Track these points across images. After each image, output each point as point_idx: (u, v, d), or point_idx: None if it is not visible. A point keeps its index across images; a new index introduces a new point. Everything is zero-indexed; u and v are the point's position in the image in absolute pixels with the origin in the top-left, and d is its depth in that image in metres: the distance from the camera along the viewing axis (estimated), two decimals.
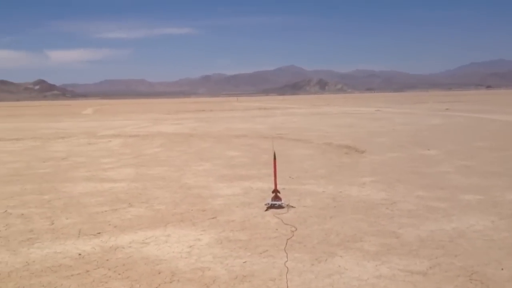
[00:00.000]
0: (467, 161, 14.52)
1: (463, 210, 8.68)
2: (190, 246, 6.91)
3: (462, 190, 10.38)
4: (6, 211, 9.48)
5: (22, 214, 9.15)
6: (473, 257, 6.17)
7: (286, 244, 6.89)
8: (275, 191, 9.24)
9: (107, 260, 6.44)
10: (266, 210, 8.90)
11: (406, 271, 5.75)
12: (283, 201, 9.13)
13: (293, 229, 7.64)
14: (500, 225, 7.69)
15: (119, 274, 5.90)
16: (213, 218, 8.50)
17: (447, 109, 51.02)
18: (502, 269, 5.75)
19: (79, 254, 6.69)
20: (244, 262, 6.19)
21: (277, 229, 7.66)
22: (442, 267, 5.84)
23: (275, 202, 9.06)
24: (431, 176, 12.22)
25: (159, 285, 5.53)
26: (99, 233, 7.76)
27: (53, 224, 8.41)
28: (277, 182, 9.46)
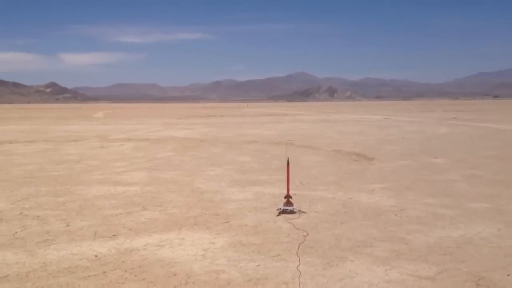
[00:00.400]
0: (474, 170, 14.63)
1: (470, 217, 8.82)
2: (205, 249, 7.09)
3: (469, 198, 10.50)
4: (21, 212, 9.69)
5: (38, 216, 9.36)
6: (480, 264, 6.32)
7: (298, 248, 7.06)
8: (287, 196, 9.42)
9: (123, 262, 6.63)
10: (278, 215, 9.08)
11: (415, 276, 5.91)
12: (295, 207, 9.31)
13: (305, 234, 7.81)
14: (506, 233, 7.82)
15: (135, 276, 6.08)
16: (226, 222, 8.69)
17: (454, 118, 50.96)
18: (508, 275, 5.89)
19: (95, 256, 6.88)
20: (257, 266, 6.36)
21: (289, 234, 7.84)
22: (450, 273, 5.99)
23: (287, 207, 9.24)
24: (439, 184, 12.34)
25: (175, 287, 5.70)
26: (115, 235, 7.96)
27: (68, 226, 8.61)
28: (289, 188, 9.65)
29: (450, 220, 8.65)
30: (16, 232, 8.21)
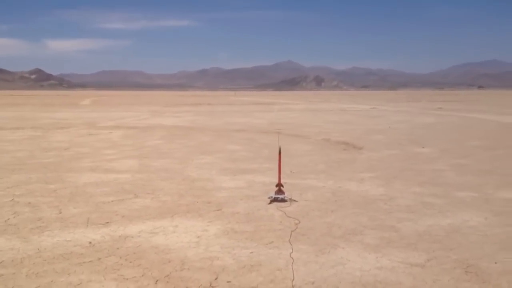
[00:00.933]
0: (461, 160, 14.87)
1: (458, 206, 9.00)
2: (198, 237, 7.18)
3: (456, 187, 10.70)
4: (13, 199, 9.67)
5: (29, 203, 9.36)
6: (468, 251, 6.49)
7: (291, 236, 7.18)
8: (279, 184, 9.53)
9: (118, 248, 6.69)
10: (270, 203, 9.19)
11: (406, 263, 6.06)
12: (286, 195, 9.42)
13: (297, 221, 7.93)
14: (493, 221, 8.02)
15: (130, 262, 6.14)
16: (218, 210, 8.78)
17: (440, 108, 51.45)
18: (496, 262, 6.06)
19: (90, 243, 6.92)
20: (251, 253, 6.47)
21: (281, 222, 7.95)
22: (439, 260, 6.15)
23: (278, 196, 9.34)
24: (427, 173, 12.54)
25: (170, 273, 5.78)
26: (108, 222, 8.00)
27: (61, 213, 8.63)
28: (280, 176, 9.75)
29: (439, 208, 8.82)
30: (9, 219, 8.21)
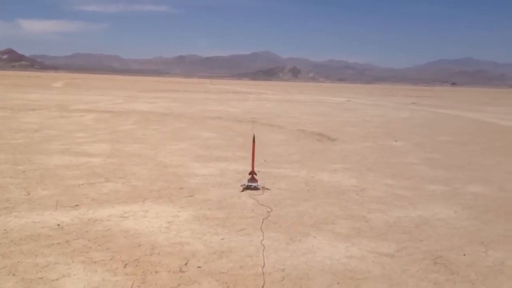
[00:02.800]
0: (432, 154, 15.09)
1: (428, 199, 9.13)
2: (169, 222, 7.11)
3: (427, 181, 10.86)
4: None
5: None
6: (437, 243, 6.58)
7: (262, 223, 7.17)
8: (252, 173, 9.50)
9: (87, 231, 6.59)
10: (242, 191, 9.16)
11: (375, 252, 6.11)
12: (259, 183, 9.40)
13: (269, 209, 7.93)
14: (462, 214, 8.16)
15: (99, 246, 6.06)
16: (190, 196, 8.71)
17: (414, 103, 52.16)
18: (464, 254, 6.16)
19: (58, 225, 6.81)
20: (222, 239, 6.44)
21: (253, 209, 7.93)
22: (408, 251, 6.22)
23: (251, 184, 9.32)
24: (399, 166, 12.68)
25: (140, 257, 5.71)
26: (77, 205, 7.87)
27: (29, 194, 8.47)
28: (253, 164, 9.73)
29: (409, 201, 8.93)
30: None
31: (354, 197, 9.05)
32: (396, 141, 17.96)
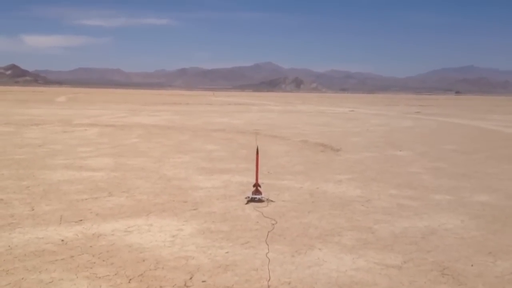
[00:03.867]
0: (437, 163, 15.01)
1: (434, 209, 9.06)
2: (173, 236, 7.07)
3: (432, 190, 10.78)
4: None
5: (1, 199, 9.15)
6: (444, 254, 6.51)
7: (267, 236, 7.11)
8: (256, 185, 9.46)
9: (91, 246, 6.55)
10: (247, 203, 9.11)
11: (382, 264, 6.04)
12: (263, 195, 9.35)
13: (274, 222, 7.87)
14: (469, 224, 8.08)
15: (103, 261, 6.02)
16: (194, 209, 8.67)
17: (417, 112, 52.08)
18: (472, 265, 6.09)
19: (62, 240, 6.78)
20: (226, 252, 6.38)
21: (257, 222, 7.88)
22: (416, 262, 6.15)
23: (256, 196, 9.28)
24: (404, 176, 12.61)
25: (144, 272, 5.67)
26: (81, 220, 7.84)
27: (33, 210, 8.45)
28: (257, 176, 9.69)
29: (415, 211, 8.86)
30: None
31: (359, 208, 8.98)
32: (400, 151, 17.89)
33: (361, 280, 5.53)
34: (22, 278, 5.43)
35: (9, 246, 6.51)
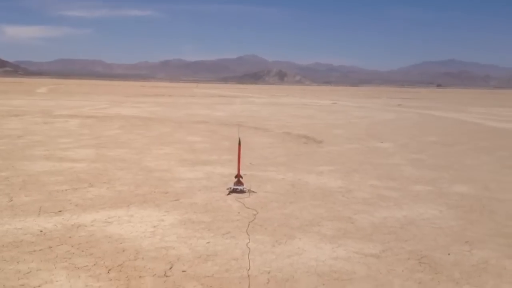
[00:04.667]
0: (417, 154, 15.18)
1: (413, 199, 9.16)
2: (154, 226, 7.05)
3: (412, 181, 10.90)
4: None
5: None
6: (422, 243, 6.60)
7: (248, 226, 7.13)
8: (238, 176, 9.46)
9: (70, 237, 6.51)
10: (228, 194, 9.12)
11: (361, 253, 6.11)
12: (245, 186, 9.36)
13: (255, 212, 7.89)
14: (447, 214, 8.19)
15: (82, 251, 5.98)
16: (175, 200, 8.65)
17: (399, 104, 52.48)
18: (449, 254, 6.19)
19: (41, 231, 6.72)
20: (207, 243, 6.39)
21: (239, 212, 7.89)
22: (394, 251, 6.22)
23: (237, 187, 9.28)
24: (384, 167, 12.72)
25: (124, 262, 5.65)
26: (60, 211, 7.78)
27: (12, 201, 8.36)
28: (239, 168, 9.69)
29: (394, 201, 8.96)
30: None
31: (340, 199, 9.05)
32: (382, 142, 18.04)
33: (340, 269, 5.59)
34: (0, 269, 5.37)
35: None
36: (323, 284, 5.16)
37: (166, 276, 5.27)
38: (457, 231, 7.24)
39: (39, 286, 4.98)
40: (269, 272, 5.43)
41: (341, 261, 5.81)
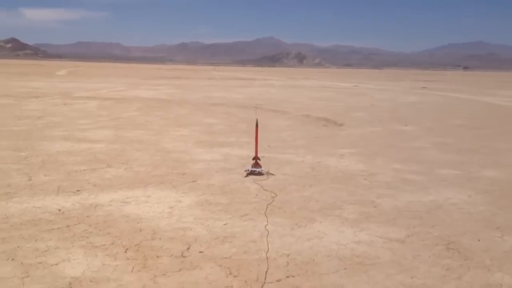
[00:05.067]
0: (443, 138, 14.79)
1: (440, 184, 8.87)
2: (171, 207, 6.93)
3: (439, 165, 10.58)
4: None
5: None
6: (450, 228, 6.34)
7: (266, 209, 6.96)
8: (256, 158, 9.28)
9: (88, 216, 6.44)
10: (246, 176, 8.95)
11: (385, 238, 5.89)
12: (263, 168, 9.18)
13: (273, 195, 7.71)
14: (476, 199, 7.90)
15: (100, 230, 5.90)
16: (193, 181, 8.51)
17: (424, 87, 51.58)
18: (479, 240, 5.92)
19: (59, 210, 6.67)
20: (225, 224, 6.25)
21: (257, 195, 7.72)
22: (420, 236, 5.99)
23: (255, 169, 9.11)
24: (409, 150, 12.42)
25: (141, 242, 5.55)
26: (78, 190, 7.72)
27: (31, 180, 8.33)
28: (257, 150, 9.50)
29: (420, 185, 8.68)
30: None
31: (362, 182, 8.81)
32: (406, 125, 17.65)
33: (363, 253, 5.39)
34: (18, 247, 5.33)
35: (5, 215, 6.41)
36: (345, 268, 4.97)
37: (183, 257, 5.14)
38: (487, 216, 6.96)
39: (56, 264, 4.91)
40: (288, 255, 5.26)
41: (363, 246, 5.61)
